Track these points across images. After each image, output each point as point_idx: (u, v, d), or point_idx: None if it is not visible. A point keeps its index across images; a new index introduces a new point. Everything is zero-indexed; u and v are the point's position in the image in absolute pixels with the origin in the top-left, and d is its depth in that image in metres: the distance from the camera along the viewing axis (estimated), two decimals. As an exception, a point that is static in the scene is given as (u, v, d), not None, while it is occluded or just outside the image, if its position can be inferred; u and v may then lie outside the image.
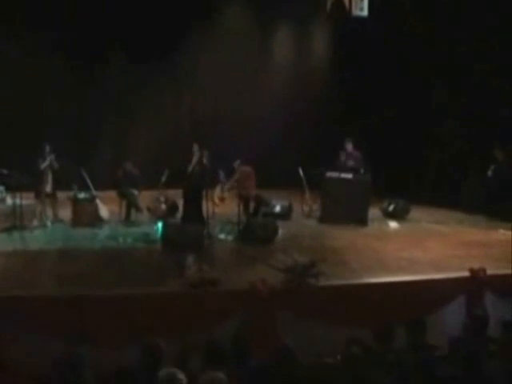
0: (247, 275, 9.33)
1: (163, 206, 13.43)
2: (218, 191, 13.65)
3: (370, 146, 15.01)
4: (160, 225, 12.05)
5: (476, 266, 9.66)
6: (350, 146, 14.31)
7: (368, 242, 12.12)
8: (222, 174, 13.61)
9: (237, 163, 13.27)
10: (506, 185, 14.33)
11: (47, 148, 12.97)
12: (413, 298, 9.00)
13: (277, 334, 8.21)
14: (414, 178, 16.35)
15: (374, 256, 11.00)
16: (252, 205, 13.24)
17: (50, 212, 13.04)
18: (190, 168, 13.11)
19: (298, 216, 14.39)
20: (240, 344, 5.85)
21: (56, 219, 13.03)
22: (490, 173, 14.79)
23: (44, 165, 12.88)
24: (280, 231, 12.14)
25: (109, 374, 5.34)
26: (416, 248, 11.65)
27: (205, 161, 13.08)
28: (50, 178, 13.03)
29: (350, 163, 14.21)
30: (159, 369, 5.24)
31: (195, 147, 13.27)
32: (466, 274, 9.55)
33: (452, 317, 9.05)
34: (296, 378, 4.95)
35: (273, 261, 9.93)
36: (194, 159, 13.18)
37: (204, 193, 12.65)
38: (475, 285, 9.46)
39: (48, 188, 13.03)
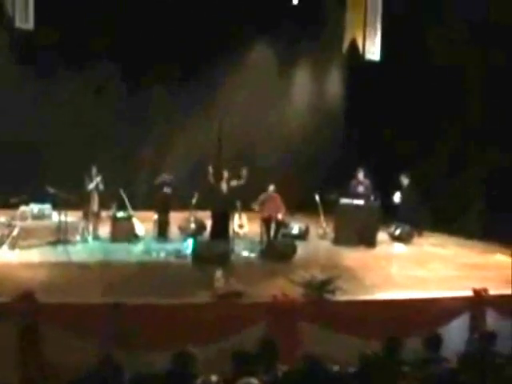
0: (269, 289, 9.13)
1: (193, 226, 13.24)
2: (236, 219, 13.40)
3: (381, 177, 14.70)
4: (190, 242, 11.90)
5: (477, 286, 9.38)
6: (361, 175, 14.08)
7: (377, 262, 11.94)
8: (239, 204, 13.38)
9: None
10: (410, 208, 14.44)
11: (94, 170, 12.83)
12: (421, 314, 8.78)
13: (297, 342, 7.98)
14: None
15: (383, 274, 10.83)
16: (273, 227, 12.95)
17: (91, 229, 12.84)
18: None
19: (313, 237, 14.11)
20: (268, 350, 5.57)
21: (95, 235, 12.83)
22: (395, 198, 14.61)
23: (91, 186, 12.75)
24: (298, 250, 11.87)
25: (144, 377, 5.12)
26: (421, 268, 11.46)
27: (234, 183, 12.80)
28: (96, 198, 12.89)
29: (361, 190, 13.97)
30: (192, 373, 4.97)
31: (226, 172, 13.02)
32: (469, 293, 9.26)
33: (456, 332, 8.74)
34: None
35: (293, 276, 9.67)
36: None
37: (232, 213, 12.51)
38: (478, 303, 9.18)
39: (95, 208, 12.90)
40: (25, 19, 12.29)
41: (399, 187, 14.74)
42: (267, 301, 8.33)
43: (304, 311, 8.37)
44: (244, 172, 12.62)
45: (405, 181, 14.69)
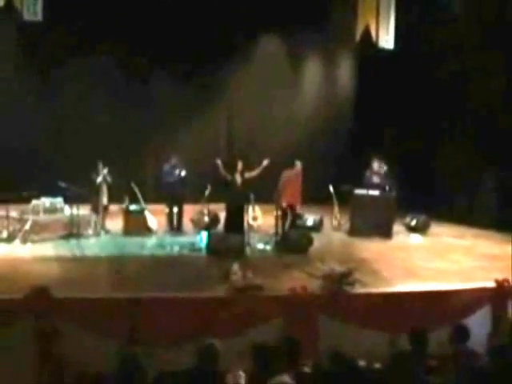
0: (286, 281, 8.94)
1: (206, 219, 13.06)
2: (250, 211, 13.18)
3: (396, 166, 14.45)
4: (204, 235, 11.70)
5: (498, 276, 9.13)
6: (376, 165, 13.78)
7: (395, 254, 11.65)
8: (252, 196, 13.16)
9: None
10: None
11: (100, 164, 12.67)
12: (443, 306, 8.56)
13: (316, 336, 7.80)
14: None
15: (402, 266, 10.54)
16: (289, 217, 12.75)
17: (101, 222, 12.70)
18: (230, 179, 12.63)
19: (327, 229, 13.88)
20: (291, 346, 5.36)
21: (103, 229, 12.67)
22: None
23: (99, 179, 12.59)
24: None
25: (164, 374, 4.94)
26: (440, 259, 11.20)
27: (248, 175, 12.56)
28: (105, 191, 12.77)
29: (375, 180, 13.70)
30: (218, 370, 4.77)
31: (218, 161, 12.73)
32: (491, 284, 9.01)
33: (479, 324, 8.50)
34: (354, 382, 4.47)
35: (310, 269, 9.48)
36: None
37: (246, 206, 12.27)
38: (500, 294, 8.93)
39: (104, 201, 12.78)
40: (33, 11, 12.15)
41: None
42: (286, 294, 8.12)
43: (323, 304, 8.16)
44: (264, 163, 12.34)
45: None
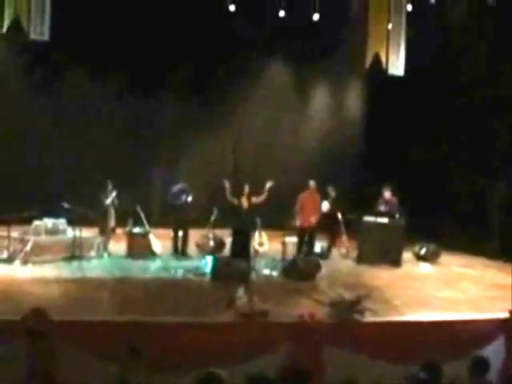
0: (293, 308, 8.69)
1: (211, 243, 12.78)
2: (256, 237, 12.91)
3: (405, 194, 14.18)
4: (209, 259, 11.41)
5: (509, 307, 8.80)
6: (388, 194, 13.53)
7: (405, 282, 11.40)
8: (258, 221, 12.89)
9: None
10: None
11: (109, 185, 12.42)
12: (455, 337, 8.19)
13: (323, 366, 7.43)
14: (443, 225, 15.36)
15: (413, 295, 10.28)
16: (306, 238, 12.65)
17: (108, 244, 12.41)
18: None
19: (335, 256, 13.57)
20: (299, 375, 5.02)
21: (108, 251, 12.36)
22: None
23: (108, 201, 12.37)
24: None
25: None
26: (451, 288, 10.94)
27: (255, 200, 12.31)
28: (113, 213, 12.55)
29: (385, 209, 13.41)
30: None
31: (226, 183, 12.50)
32: (504, 314, 8.67)
33: (492, 355, 8.12)
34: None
35: (318, 296, 9.15)
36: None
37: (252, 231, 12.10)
38: (515, 326, 8.59)
39: (112, 223, 12.56)
40: (40, 31, 11.99)
41: None
42: (292, 321, 7.77)
43: (331, 333, 7.79)
44: (268, 185, 12.04)
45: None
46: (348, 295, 8.49)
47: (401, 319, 8.55)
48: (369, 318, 8.25)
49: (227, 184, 11.90)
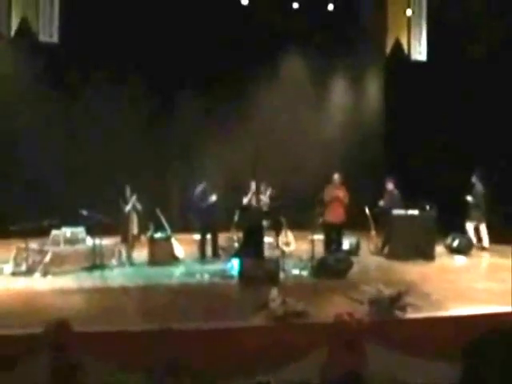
0: (329, 308, 8.25)
1: (236, 245, 12.34)
2: (282, 236, 12.52)
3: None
4: (235, 261, 10.96)
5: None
6: (390, 185, 13.15)
7: (441, 275, 10.91)
8: (284, 221, 12.47)
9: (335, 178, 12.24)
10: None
11: (128, 190, 12.00)
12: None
13: (365, 367, 6.94)
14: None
15: (451, 288, 9.72)
16: (333, 235, 12.35)
17: (130, 252, 11.97)
18: (245, 201, 12.22)
19: (365, 253, 13.09)
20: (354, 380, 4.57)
21: (130, 259, 11.93)
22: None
23: (128, 208, 11.94)
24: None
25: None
26: (489, 280, 10.43)
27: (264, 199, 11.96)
28: (135, 219, 12.11)
29: (385, 203, 13.03)
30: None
31: (252, 185, 12.19)
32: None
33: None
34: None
35: (353, 293, 8.66)
36: (249, 195, 12.30)
37: (264, 228, 11.95)
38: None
39: (134, 230, 12.10)
40: (49, 33, 11.70)
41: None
42: (331, 321, 7.29)
43: (373, 331, 7.31)
44: (268, 192, 11.78)
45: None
46: (389, 291, 7.95)
47: (445, 314, 8.03)
48: (410, 315, 7.79)
49: (254, 185, 11.69)
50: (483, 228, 13.67)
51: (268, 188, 12.91)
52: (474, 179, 13.73)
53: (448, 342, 7.34)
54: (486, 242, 13.65)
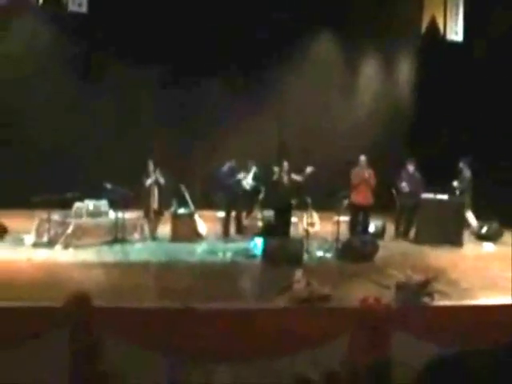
0: (354, 292, 8.03)
1: (260, 224, 12.16)
2: (306, 217, 12.29)
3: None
4: (259, 241, 10.74)
5: None
6: (411, 168, 12.82)
7: (469, 263, 10.64)
8: (309, 201, 12.24)
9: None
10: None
11: (151, 165, 11.83)
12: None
13: (391, 356, 6.73)
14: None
15: (480, 276, 9.48)
16: (361, 217, 12.17)
17: (151, 227, 11.83)
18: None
19: (390, 236, 12.80)
20: (382, 369, 4.37)
21: (153, 235, 11.79)
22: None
23: (149, 182, 11.77)
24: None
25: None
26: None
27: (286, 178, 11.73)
28: (156, 194, 11.91)
29: (406, 185, 12.71)
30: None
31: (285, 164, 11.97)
32: None
33: None
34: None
35: (380, 278, 8.44)
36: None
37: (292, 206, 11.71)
38: None
39: (155, 205, 11.92)
40: (78, 3, 11.51)
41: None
42: (356, 306, 7.08)
43: (400, 318, 7.08)
44: (308, 170, 11.43)
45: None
46: (418, 277, 7.73)
47: (474, 303, 7.80)
48: (439, 302, 7.57)
49: (286, 163, 11.50)
50: (470, 214, 13.35)
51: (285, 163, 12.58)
52: (461, 165, 13.36)
53: (476, 332, 7.13)
54: (474, 226, 13.38)
